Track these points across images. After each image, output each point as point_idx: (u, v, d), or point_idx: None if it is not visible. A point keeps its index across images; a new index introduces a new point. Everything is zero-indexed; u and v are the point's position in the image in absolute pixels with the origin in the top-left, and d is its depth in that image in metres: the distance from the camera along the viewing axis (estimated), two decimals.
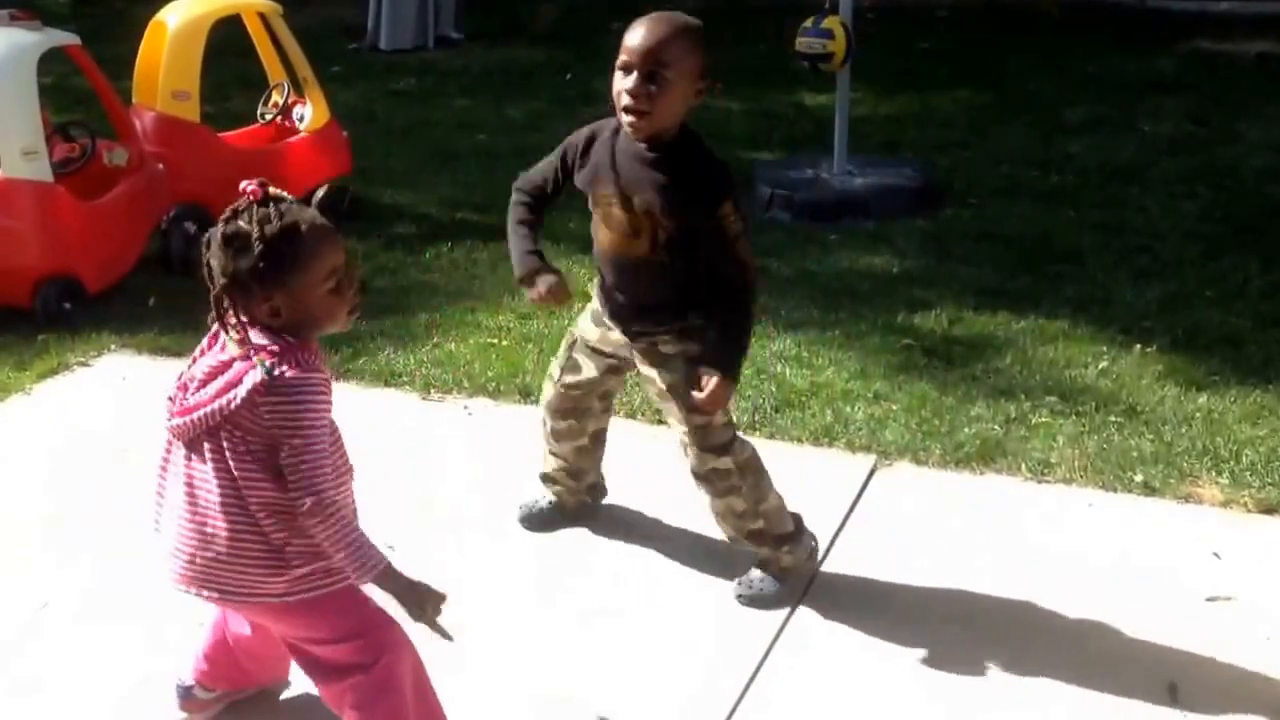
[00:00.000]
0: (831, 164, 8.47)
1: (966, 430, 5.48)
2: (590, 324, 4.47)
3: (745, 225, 4.07)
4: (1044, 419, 5.58)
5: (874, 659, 4.15)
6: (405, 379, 6.07)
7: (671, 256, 4.09)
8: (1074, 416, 5.60)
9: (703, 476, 4.34)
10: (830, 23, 7.89)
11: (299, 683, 3.91)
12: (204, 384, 3.29)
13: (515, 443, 5.47)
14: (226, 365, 3.27)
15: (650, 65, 3.87)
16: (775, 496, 4.41)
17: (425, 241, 7.92)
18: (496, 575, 4.61)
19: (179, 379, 3.40)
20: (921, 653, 4.17)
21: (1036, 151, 9.40)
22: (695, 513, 4.85)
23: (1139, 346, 6.24)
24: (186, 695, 3.85)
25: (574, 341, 4.54)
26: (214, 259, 3.23)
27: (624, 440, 5.09)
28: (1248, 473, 5.17)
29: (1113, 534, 4.81)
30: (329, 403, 3.28)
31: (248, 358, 3.21)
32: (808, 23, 7.95)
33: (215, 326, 3.32)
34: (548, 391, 4.67)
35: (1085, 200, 8.39)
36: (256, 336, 3.24)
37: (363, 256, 7.71)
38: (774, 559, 4.44)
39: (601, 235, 4.23)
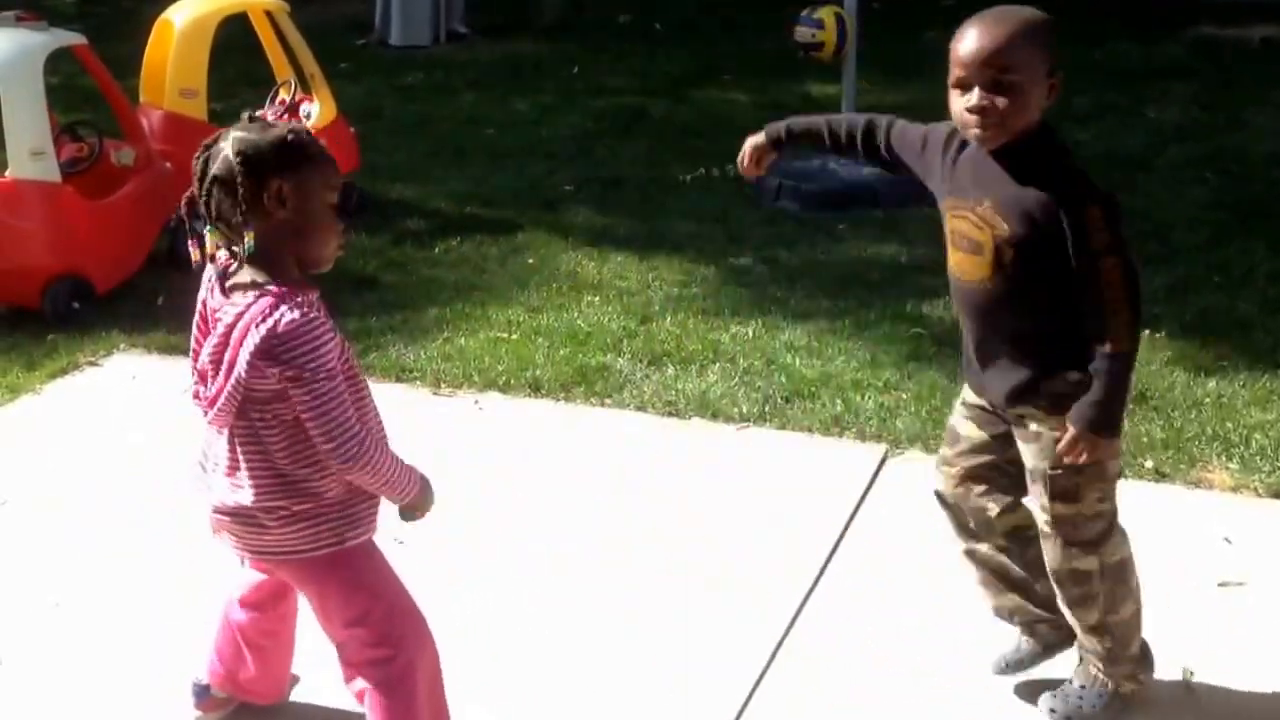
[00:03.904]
0: None
1: None
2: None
3: (1120, 246, 3.32)
4: None
5: (885, 646, 4.16)
6: (416, 374, 6.08)
7: (1020, 284, 3.41)
8: None
9: (1062, 576, 3.64)
10: (823, 12, 7.89)
11: (302, 688, 3.93)
12: (216, 369, 3.27)
13: (525, 437, 5.48)
14: (224, 341, 3.21)
15: (992, 75, 3.29)
16: (1131, 607, 3.70)
17: (434, 236, 7.93)
18: (507, 571, 4.61)
19: (195, 370, 3.38)
20: (932, 641, 4.18)
21: None
22: (701, 511, 4.87)
23: (1148, 332, 6.23)
24: (203, 695, 3.86)
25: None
26: (232, 138, 3.15)
27: (632, 435, 5.10)
28: (1258, 457, 5.17)
29: (1123, 520, 4.80)
30: (331, 337, 3.17)
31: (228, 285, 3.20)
32: (804, 12, 7.97)
33: (205, 305, 3.30)
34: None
35: None
36: (247, 274, 3.20)
37: (372, 252, 7.73)
38: (1104, 674, 3.78)
39: (949, 258, 3.62)
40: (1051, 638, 3.86)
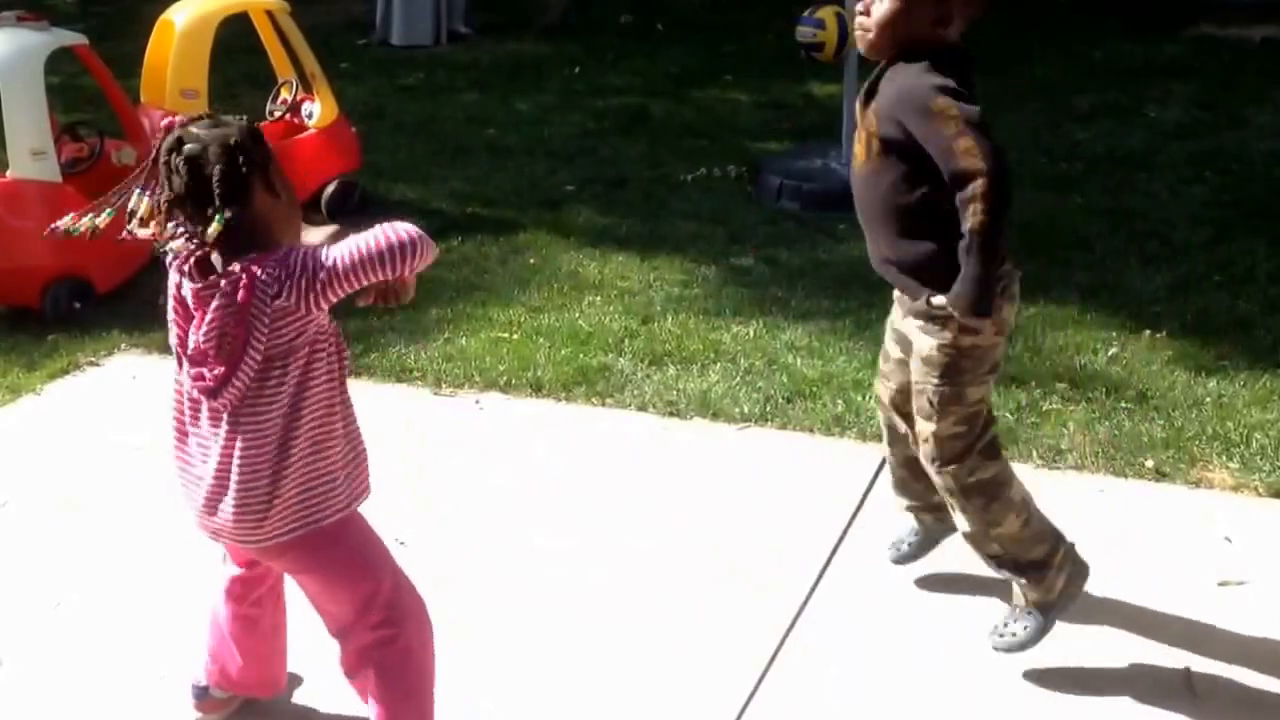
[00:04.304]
0: (840, 153, 8.46)
1: None
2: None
3: (974, 129, 3.47)
4: (1054, 406, 5.59)
5: (886, 645, 4.16)
6: (417, 374, 6.08)
7: (888, 167, 3.69)
8: (1084, 403, 5.60)
9: (935, 486, 3.97)
10: (824, 12, 7.90)
11: (303, 688, 3.94)
12: (219, 341, 3.25)
13: (526, 437, 5.49)
14: (223, 311, 3.22)
15: None
16: (1015, 522, 3.91)
17: (435, 236, 7.84)
18: (509, 570, 4.62)
19: (186, 356, 3.38)
20: (934, 641, 4.18)
21: (1045, 138, 9.39)
22: (702, 511, 4.87)
23: (1148, 332, 6.25)
24: (202, 695, 3.87)
25: None
26: (204, 138, 3.19)
27: (633, 435, 5.10)
28: (1258, 457, 5.17)
29: (1124, 520, 4.82)
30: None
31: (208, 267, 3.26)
32: (805, 12, 7.98)
33: (179, 292, 3.34)
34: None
35: (1094, 186, 8.39)
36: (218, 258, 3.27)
37: None
38: (1020, 591, 4.00)
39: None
40: (936, 528, 4.29)
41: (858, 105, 3.80)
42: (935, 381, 3.78)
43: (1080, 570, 4.02)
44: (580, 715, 3.90)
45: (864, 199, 3.81)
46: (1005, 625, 4.01)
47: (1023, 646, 3.97)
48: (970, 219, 3.45)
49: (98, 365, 6.28)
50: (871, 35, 3.69)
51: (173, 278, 3.35)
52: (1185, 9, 12.66)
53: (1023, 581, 3.96)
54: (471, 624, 4.29)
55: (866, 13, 3.70)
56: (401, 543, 4.61)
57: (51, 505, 5.09)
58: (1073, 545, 4.01)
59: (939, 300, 3.66)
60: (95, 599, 4.50)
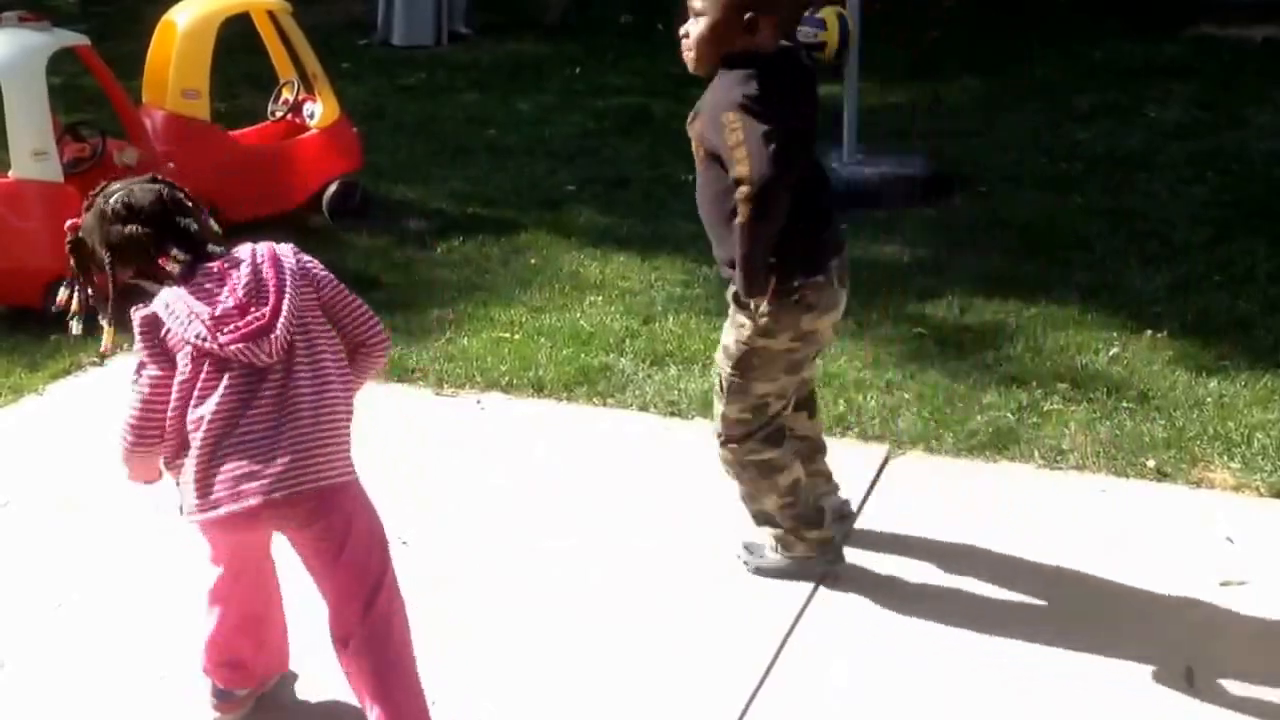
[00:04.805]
0: (841, 154, 8.46)
1: (979, 418, 5.49)
2: None
3: (753, 134, 3.80)
4: (1056, 406, 5.59)
5: (888, 646, 4.16)
6: (418, 374, 6.09)
7: (711, 174, 4.02)
8: (1085, 403, 5.61)
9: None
10: (825, 13, 7.90)
11: (301, 686, 3.95)
12: (258, 289, 3.44)
13: (528, 437, 5.49)
14: (254, 269, 3.45)
15: (690, 6, 4.05)
16: (777, 502, 4.36)
17: (436, 236, 7.93)
18: (510, 570, 4.62)
19: (215, 319, 3.41)
20: (936, 640, 4.19)
21: (1045, 139, 9.40)
22: (704, 511, 4.88)
23: (1149, 332, 6.25)
24: (225, 697, 3.87)
25: None
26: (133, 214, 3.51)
27: (635, 434, 5.11)
28: (1259, 457, 5.17)
29: (1125, 520, 4.82)
30: None
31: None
32: (806, 12, 7.98)
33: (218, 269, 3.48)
34: None
35: (1094, 187, 8.39)
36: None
37: (374, 253, 7.74)
38: (772, 535, 4.52)
39: None
40: (836, 502, 4.70)
41: (690, 118, 4.12)
42: (728, 370, 4.19)
43: (829, 554, 4.48)
44: (581, 716, 3.90)
45: (699, 203, 4.16)
46: (752, 554, 4.56)
47: (758, 571, 4.53)
48: (737, 219, 3.83)
49: (100, 366, 6.28)
50: (693, 53, 4.05)
51: (175, 304, 3.49)
52: (1185, 9, 12.66)
53: (775, 534, 4.48)
54: (471, 624, 4.29)
55: (687, 35, 4.05)
56: (404, 542, 4.61)
57: (53, 505, 5.09)
58: (832, 537, 4.49)
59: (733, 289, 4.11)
60: (96, 599, 4.51)
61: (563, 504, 4.99)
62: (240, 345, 3.36)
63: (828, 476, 4.68)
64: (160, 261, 3.49)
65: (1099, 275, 6.98)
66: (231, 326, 3.36)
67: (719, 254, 4.12)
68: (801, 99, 4.07)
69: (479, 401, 5.86)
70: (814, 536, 4.43)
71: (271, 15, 8.22)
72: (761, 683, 4.01)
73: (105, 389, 6.04)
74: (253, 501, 3.35)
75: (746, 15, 3.93)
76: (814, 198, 4.06)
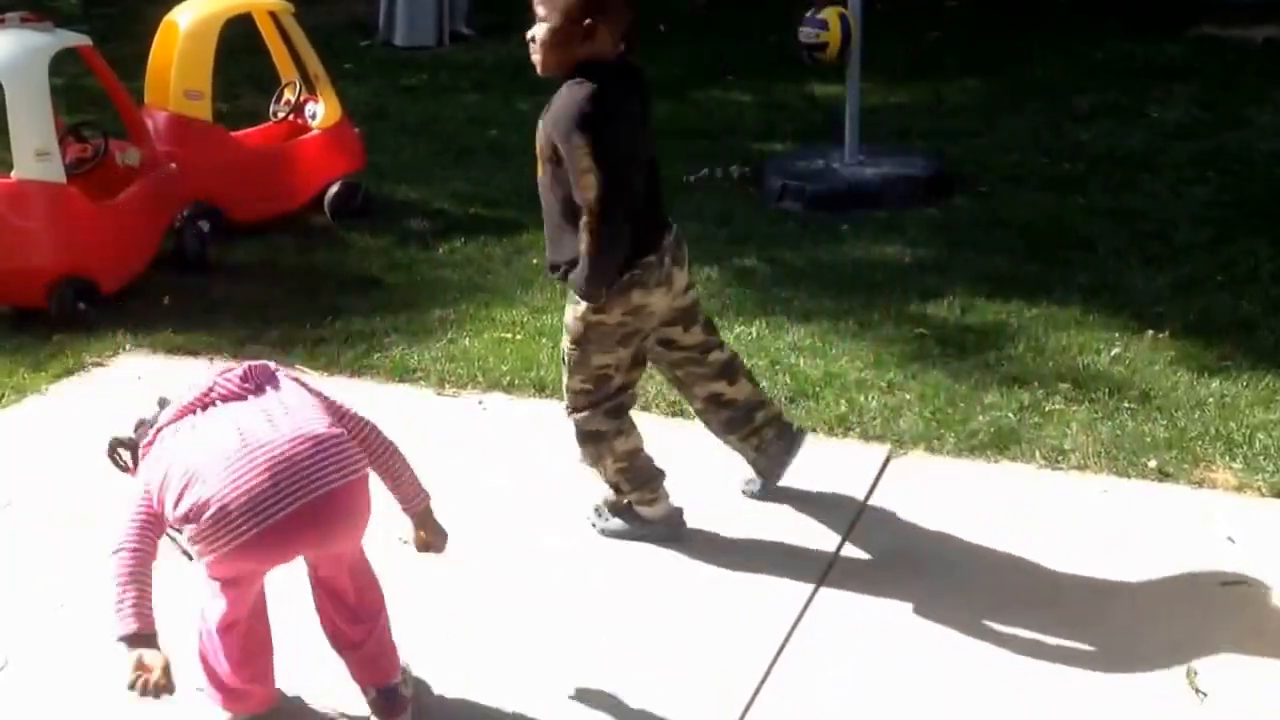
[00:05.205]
0: (843, 154, 8.47)
1: (980, 418, 5.49)
2: None
3: (600, 158, 4.13)
4: (1057, 406, 5.59)
5: (889, 646, 4.17)
6: (420, 374, 6.09)
7: (552, 174, 4.32)
8: (1087, 403, 5.61)
9: None
10: (827, 13, 7.90)
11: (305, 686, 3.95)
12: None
13: (530, 437, 5.49)
14: None
15: (535, 13, 4.29)
16: (614, 465, 4.64)
17: (438, 237, 7.93)
18: (511, 570, 4.63)
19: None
20: (936, 641, 4.19)
21: (1046, 139, 9.39)
22: (705, 511, 4.88)
23: (1151, 332, 6.25)
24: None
25: None
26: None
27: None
28: (1261, 457, 5.17)
29: (1127, 520, 4.82)
30: None
31: None
32: (808, 13, 7.98)
33: None
34: None
35: (1095, 187, 8.39)
36: None
37: (376, 253, 7.74)
38: (612, 504, 4.82)
39: None
40: (759, 459, 4.96)
41: (541, 117, 4.38)
42: (568, 345, 4.49)
43: (667, 515, 4.78)
44: (582, 716, 3.91)
45: (542, 201, 4.42)
46: (600, 516, 4.84)
47: (603, 533, 4.82)
48: (583, 231, 4.19)
49: (103, 366, 6.29)
50: (539, 56, 4.31)
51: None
52: (1186, 9, 12.65)
53: (614, 501, 4.78)
54: (472, 624, 4.30)
55: (534, 39, 4.30)
56: (405, 542, 4.61)
57: (56, 505, 5.10)
58: (678, 511, 4.79)
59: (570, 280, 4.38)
60: (98, 599, 4.50)
61: (564, 504, 5.00)
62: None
63: (775, 423, 4.94)
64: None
65: (1101, 275, 6.98)
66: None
67: (552, 256, 4.44)
68: (636, 102, 4.39)
69: (481, 402, 5.87)
70: (652, 501, 4.74)
71: (273, 16, 8.23)
72: (762, 683, 4.01)
73: (108, 389, 6.05)
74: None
75: (585, 22, 4.20)
76: (647, 190, 4.48)
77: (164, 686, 3.29)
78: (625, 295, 4.36)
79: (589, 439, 4.59)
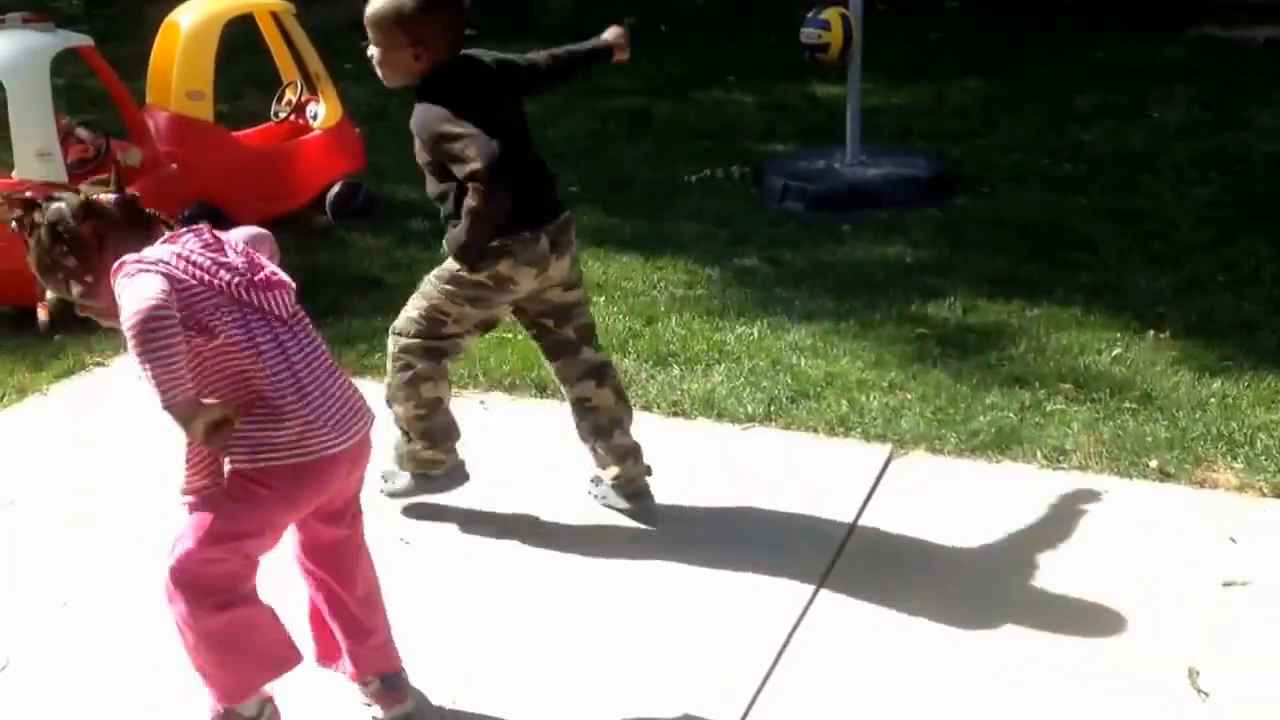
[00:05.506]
0: (844, 154, 8.47)
1: (981, 419, 5.49)
2: None
3: (469, 145, 4.26)
4: (1059, 406, 5.59)
5: (891, 646, 4.17)
6: None
7: (428, 172, 4.54)
8: (1088, 403, 5.61)
9: None
10: (829, 14, 7.90)
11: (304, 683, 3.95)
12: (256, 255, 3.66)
13: (531, 437, 5.49)
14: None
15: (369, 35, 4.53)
16: (412, 410, 4.71)
17: (439, 237, 7.89)
18: (511, 570, 4.63)
19: (225, 269, 3.55)
20: (938, 641, 4.19)
21: (1048, 139, 9.39)
22: (706, 511, 4.88)
23: (1152, 332, 6.25)
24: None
25: None
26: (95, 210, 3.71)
27: (637, 435, 5.09)
28: (1262, 457, 5.17)
29: (1128, 520, 4.82)
30: None
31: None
32: (809, 13, 7.99)
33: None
34: None
35: (1097, 187, 8.39)
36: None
37: (376, 253, 7.74)
38: (400, 453, 4.88)
39: None
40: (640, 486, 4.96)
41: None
42: (431, 278, 4.65)
43: (455, 474, 4.92)
44: (582, 716, 3.91)
45: (440, 210, 4.60)
46: (386, 481, 4.91)
47: (391, 494, 4.90)
48: (468, 199, 4.34)
49: (104, 365, 6.29)
50: (381, 73, 4.52)
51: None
52: (1187, 9, 12.65)
53: (402, 450, 4.84)
54: (472, 624, 4.30)
55: (372, 59, 4.52)
56: (406, 542, 4.63)
57: (57, 504, 5.10)
58: (459, 465, 4.92)
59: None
60: (101, 598, 4.51)
61: (564, 504, 5.00)
62: (273, 295, 3.55)
63: (633, 453, 4.89)
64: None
65: (1102, 276, 6.98)
66: (260, 277, 3.53)
67: (446, 240, 4.59)
68: (483, 84, 4.56)
69: (482, 402, 5.87)
70: (437, 454, 4.83)
71: (275, 16, 8.22)
72: (764, 683, 4.01)
73: (109, 389, 6.05)
74: (355, 439, 3.50)
75: (411, 51, 4.42)
76: (534, 173, 4.73)
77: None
78: (493, 261, 4.50)
79: (401, 368, 4.68)
